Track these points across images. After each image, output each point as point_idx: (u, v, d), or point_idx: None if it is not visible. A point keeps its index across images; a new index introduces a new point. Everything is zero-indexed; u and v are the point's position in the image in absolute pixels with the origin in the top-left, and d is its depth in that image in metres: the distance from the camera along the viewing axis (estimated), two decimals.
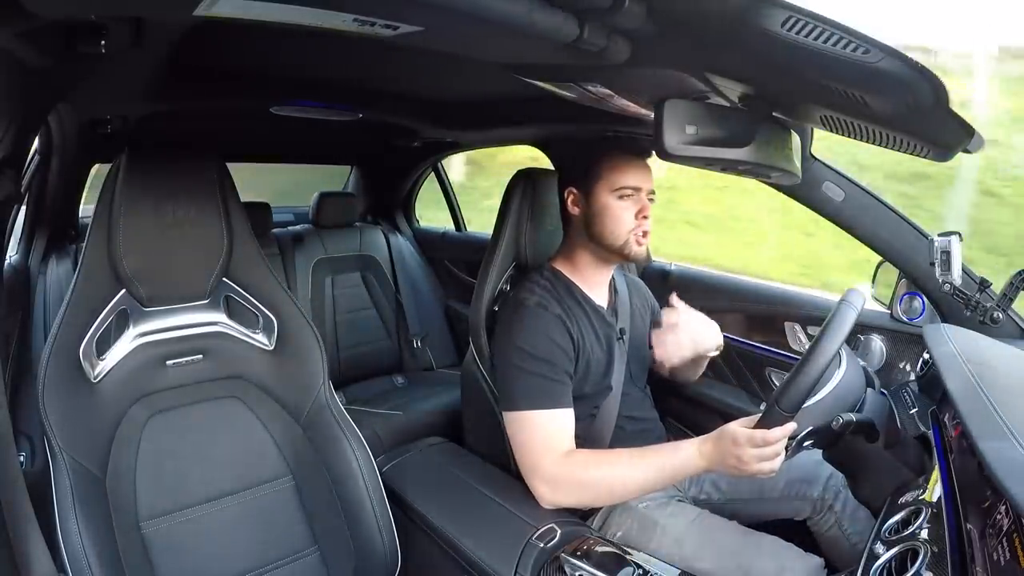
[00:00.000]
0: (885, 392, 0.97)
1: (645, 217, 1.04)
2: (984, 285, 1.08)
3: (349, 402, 1.96)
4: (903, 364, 1.26)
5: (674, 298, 1.15)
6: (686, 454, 0.87)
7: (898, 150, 0.69)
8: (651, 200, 1.06)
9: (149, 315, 0.94)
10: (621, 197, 1.03)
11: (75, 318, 0.87)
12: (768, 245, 4.23)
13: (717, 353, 1.18)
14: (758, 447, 0.78)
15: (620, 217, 1.03)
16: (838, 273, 3.47)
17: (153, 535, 0.88)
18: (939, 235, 1.07)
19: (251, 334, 1.02)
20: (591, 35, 0.62)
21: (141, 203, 0.92)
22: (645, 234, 1.05)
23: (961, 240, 1.04)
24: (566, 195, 1.09)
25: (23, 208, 1.53)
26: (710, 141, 0.74)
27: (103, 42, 0.70)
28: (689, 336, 1.12)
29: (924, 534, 0.66)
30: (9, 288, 1.34)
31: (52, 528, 0.73)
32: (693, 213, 4.63)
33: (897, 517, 0.73)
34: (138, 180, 0.92)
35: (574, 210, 1.08)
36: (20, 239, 1.57)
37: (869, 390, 0.88)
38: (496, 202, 1.22)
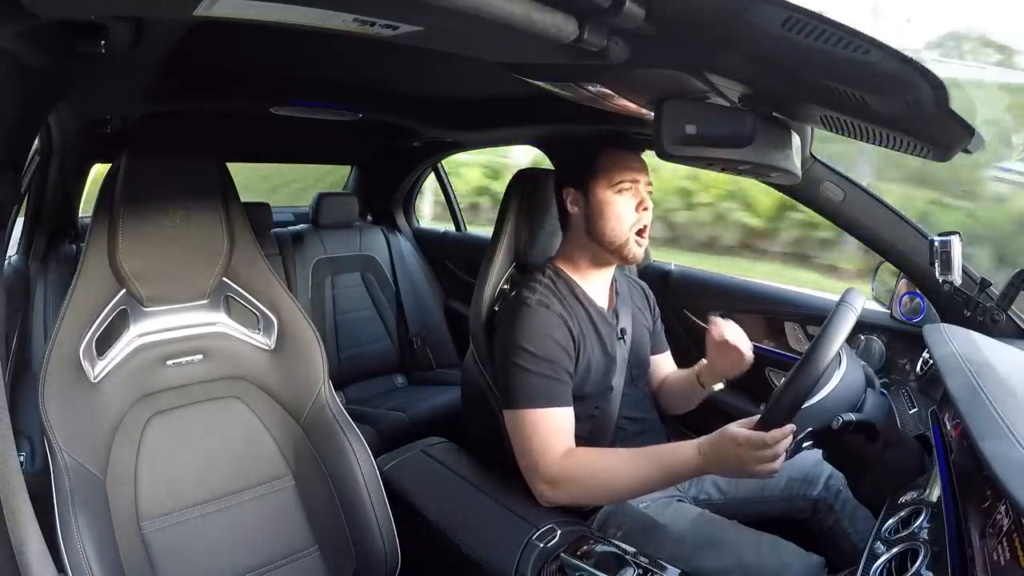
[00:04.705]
0: (885, 392, 0.97)
1: (645, 209, 1.04)
2: (984, 285, 1.08)
3: (349, 402, 1.96)
4: (903, 364, 1.26)
5: (717, 319, 1.08)
6: (686, 455, 0.87)
7: (898, 150, 0.68)
8: (649, 192, 1.06)
9: (149, 315, 0.94)
10: (620, 191, 1.03)
11: (75, 318, 0.87)
12: None
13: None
14: (758, 449, 0.78)
15: (621, 212, 1.03)
16: None
17: (153, 535, 0.88)
18: (939, 235, 1.07)
19: (251, 334, 1.02)
20: (591, 35, 0.62)
21: (141, 203, 0.92)
22: (644, 231, 1.05)
23: (961, 240, 1.05)
24: (564, 194, 1.09)
25: (23, 208, 1.53)
26: (710, 141, 0.74)
27: (103, 42, 0.70)
28: (746, 346, 1.06)
29: (924, 534, 0.66)
30: (9, 288, 1.34)
31: (52, 528, 0.73)
32: None
33: (897, 517, 0.73)
34: (138, 180, 0.92)
35: (573, 209, 1.08)
36: (20, 239, 1.57)
37: (869, 390, 0.88)
38: None
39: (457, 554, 0.92)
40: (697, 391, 1.17)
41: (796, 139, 0.86)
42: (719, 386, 1.14)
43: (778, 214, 3.89)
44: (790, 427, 0.78)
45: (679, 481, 0.94)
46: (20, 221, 1.54)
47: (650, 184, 1.07)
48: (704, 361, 1.14)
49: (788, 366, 1.37)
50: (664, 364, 1.28)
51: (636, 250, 1.04)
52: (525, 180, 1.20)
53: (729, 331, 1.06)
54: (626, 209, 1.03)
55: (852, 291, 0.83)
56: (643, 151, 1.08)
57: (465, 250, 2.37)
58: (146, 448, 0.91)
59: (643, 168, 1.06)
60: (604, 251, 1.06)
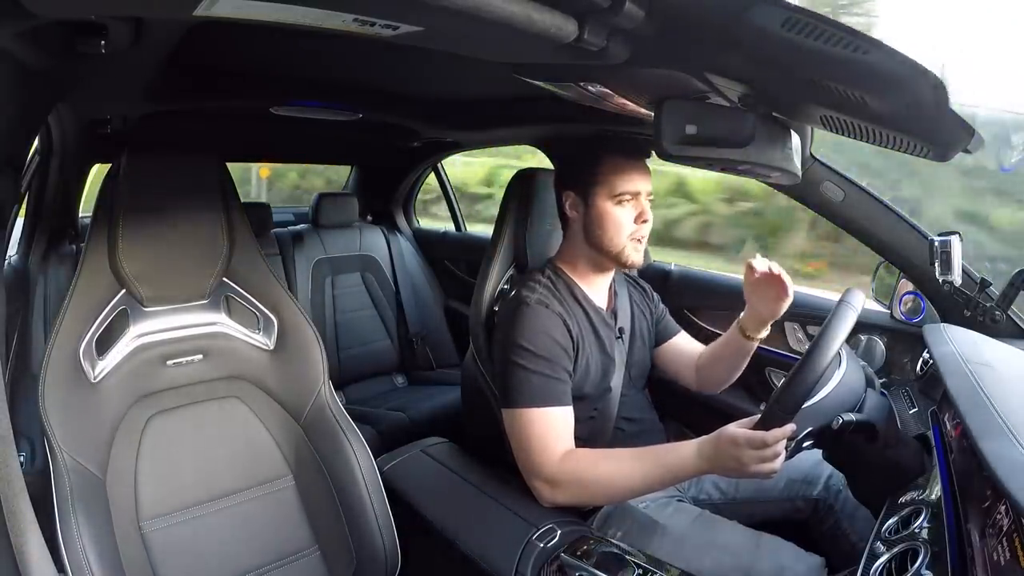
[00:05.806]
0: (885, 392, 0.97)
1: (645, 221, 1.03)
2: (984, 285, 1.08)
3: (349, 402, 1.97)
4: (903, 364, 1.26)
5: (756, 257, 1.04)
6: (685, 455, 0.86)
7: (898, 150, 0.69)
8: (650, 201, 1.06)
9: (149, 315, 0.94)
10: (620, 203, 1.02)
11: (75, 318, 0.87)
12: None
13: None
14: (757, 448, 0.78)
15: (619, 223, 1.02)
16: None
17: (153, 535, 0.88)
18: (939, 235, 1.07)
19: (251, 334, 1.02)
20: (591, 35, 0.62)
21: (141, 203, 0.92)
22: (642, 239, 1.04)
23: (961, 240, 1.05)
24: (564, 197, 1.08)
25: (23, 208, 1.53)
26: (710, 141, 0.74)
27: (103, 42, 0.70)
28: (787, 278, 1.01)
29: (924, 534, 0.66)
30: (9, 288, 1.34)
31: (52, 528, 0.73)
32: None
33: (897, 517, 0.73)
34: (138, 180, 0.92)
35: (572, 214, 1.07)
36: (20, 239, 1.57)
37: (869, 390, 0.88)
38: None
39: (457, 554, 0.92)
40: (744, 345, 1.11)
41: (796, 139, 0.86)
42: (765, 332, 1.09)
43: None
44: (790, 427, 0.77)
45: (679, 481, 0.94)
46: (20, 221, 1.55)
47: (651, 195, 1.05)
48: (743, 315, 1.10)
49: (788, 366, 1.37)
50: (685, 344, 1.25)
51: (634, 256, 1.04)
52: (525, 180, 1.21)
53: (771, 264, 1.02)
54: (626, 220, 1.02)
55: (852, 291, 0.83)
56: (648, 157, 1.06)
57: (465, 250, 2.37)
58: (146, 448, 0.91)
59: (646, 178, 1.04)
60: (602, 257, 1.06)
